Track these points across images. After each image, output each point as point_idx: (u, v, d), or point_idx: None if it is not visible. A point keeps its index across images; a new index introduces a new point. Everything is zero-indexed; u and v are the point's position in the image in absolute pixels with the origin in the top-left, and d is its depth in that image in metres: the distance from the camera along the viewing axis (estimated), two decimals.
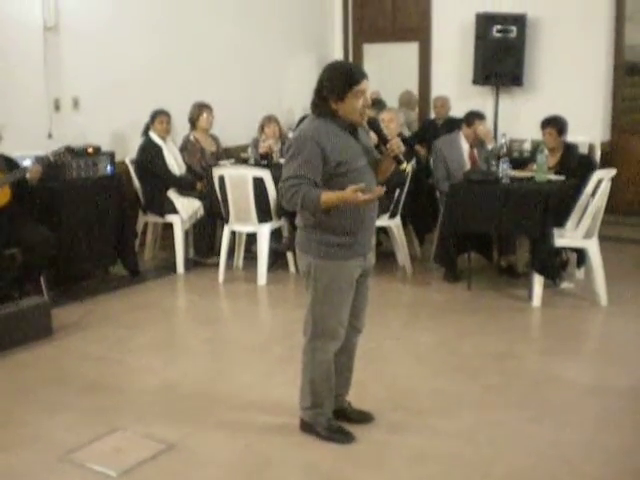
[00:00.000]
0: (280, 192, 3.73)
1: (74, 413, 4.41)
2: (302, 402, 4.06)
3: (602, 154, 8.83)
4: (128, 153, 7.68)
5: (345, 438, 4.03)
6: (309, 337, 3.93)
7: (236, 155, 8.28)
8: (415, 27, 10.30)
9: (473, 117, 7.44)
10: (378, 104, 8.21)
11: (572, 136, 7.12)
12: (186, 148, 7.86)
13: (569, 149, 6.97)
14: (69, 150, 6.34)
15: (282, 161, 5.93)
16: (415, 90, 10.45)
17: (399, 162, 3.87)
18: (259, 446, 4.01)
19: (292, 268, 7.29)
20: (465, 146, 7.39)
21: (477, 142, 7.41)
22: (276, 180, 6.81)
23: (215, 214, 7.48)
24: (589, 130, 8.85)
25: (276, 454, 3.92)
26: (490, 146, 7.35)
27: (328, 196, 3.62)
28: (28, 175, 5.93)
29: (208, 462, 3.84)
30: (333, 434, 4.03)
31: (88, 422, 4.28)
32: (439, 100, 9.45)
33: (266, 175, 6.91)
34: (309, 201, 3.62)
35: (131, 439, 4.08)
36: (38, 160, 6.02)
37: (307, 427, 4.07)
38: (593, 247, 6.24)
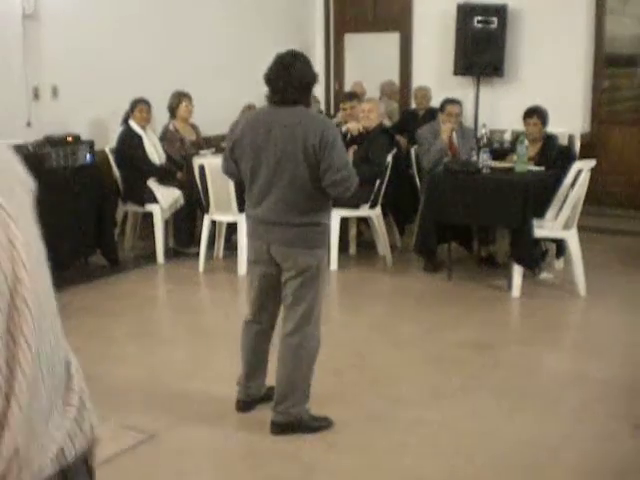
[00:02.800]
0: (347, 179, 3.73)
1: None
2: (289, 401, 3.95)
3: (582, 145, 8.87)
4: (108, 142, 7.62)
5: (328, 422, 4.05)
6: (309, 329, 3.92)
7: (216, 144, 8.23)
8: (396, 17, 10.28)
9: (445, 103, 7.60)
10: (353, 97, 8.11)
11: (552, 127, 7.14)
12: (166, 137, 7.82)
13: (549, 140, 7.00)
14: (49, 141, 6.26)
15: None
16: (396, 80, 10.45)
17: None
18: (239, 437, 4.01)
19: None
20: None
21: (456, 127, 7.47)
22: None
23: (195, 204, 7.47)
24: (569, 121, 8.87)
25: (257, 445, 3.92)
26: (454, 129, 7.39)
27: None
28: None
29: (188, 452, 3.84)
30: (320, 422, 4.03)
31: None
32: (420, 91, 9.45)
33: None
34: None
35: (111, 429, 4.06)
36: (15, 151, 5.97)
37: (287, 427, 3.97)
38: (572, 238, 6.27)
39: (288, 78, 3.79)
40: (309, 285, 3.87)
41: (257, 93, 9.22)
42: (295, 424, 3.97)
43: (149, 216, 7.54)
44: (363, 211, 7.14)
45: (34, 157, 6.32)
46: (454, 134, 7.44)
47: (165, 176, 7.54)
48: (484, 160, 6.51)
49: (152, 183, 7.44)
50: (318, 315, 3.98)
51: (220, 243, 7.51)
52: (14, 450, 1.05)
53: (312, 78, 3.88)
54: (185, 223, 7.66)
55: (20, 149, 5.96)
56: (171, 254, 7.61)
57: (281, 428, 3.97)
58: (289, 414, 3.96)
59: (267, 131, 3.80)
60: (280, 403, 3.97)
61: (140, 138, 7.42)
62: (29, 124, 7.07)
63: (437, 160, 7.09)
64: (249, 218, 4.03)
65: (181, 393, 4.52)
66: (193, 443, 3.93)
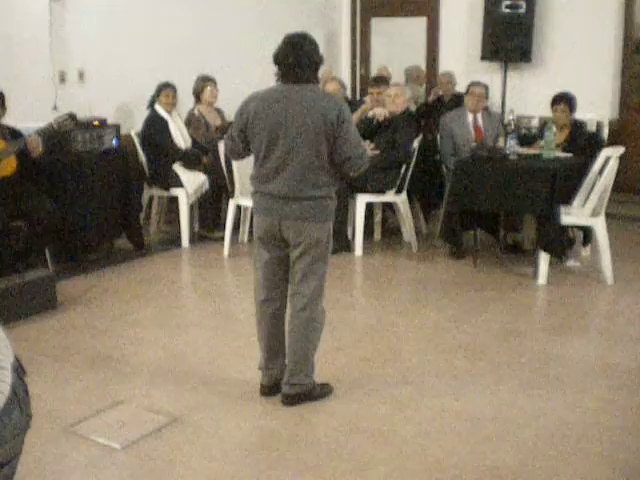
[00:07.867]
0: (361, 156, 3.91)
1: (79, 386, 4.42)
2: (302, 373, 4.08)
3: (610, 132, 8.78)
4: (134, 126, 7.65)
5: (330, 388, 4.25)
6: (319, 302, 4.05)
7: None
8: (423, 1, 10.21)
9: (470, 85, 7.63)
10: (382, 81, 8.05)
11: (580, 113, 7.08)
12: (191, 122, 7.83)
13: (577, 126, 6.94)
14: (72, 117, 6.28)
15: None
16: (423, 65, 10.38)
17: None
18: (264, 420, 4.02)
19: None
20: (470, 117, 7.41)
21: (480, 108, 7.45)
22: None
23: (220, 188, 7.48)
24: (597, 107, 8.80)
25: (280, 428, 3.92)
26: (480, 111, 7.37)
27: None
28: (28, 145, 5.88)
29: (212, 436, 3.85)
30: (324, 388, 4.20)
31: (93, 395, 4.29)
32: (445, 76, 9.36)
33: None
34: None
35: (136, 412, 4.09)
36: (38, 131, 5.97)
37: (298, 398, 4.11)
38: (600, 225, 6.21)
39: (297, 58, 3.89)
40: (320, 260, 3.99)
41: None
42: (306, 394, 4.12)
43: (174, 200, 7.57)
44: (389, 197, 7.11)
45: (61, 139, 6.35)
46: (479, 117, 7.41)
47: (190, 160, 7.54)
48: (511, 146, 6.47)
49: (177, 167, 7.46)
50: (324, 287, 4.10)
51: (245, 227, 7.52)
52: None
53: (319, 58, 3.98)
54: (210, 207, 7.67)
55: (44, 130, 5.97)
56: (196, 238, 7.64)
57: (294, 399, 4.10)
58: (302, 386, 4.10)
59: (284, 108, 3.87)
60: (293, 376, 4.09)
61: (166, 122, 7.43)
62: (55, 108, 7.09)
63: (460, 151, 7.13)
64: (258, 194, 4.04)
65: (205, 376, 4.53)
66: (217, 426, 3.94)
